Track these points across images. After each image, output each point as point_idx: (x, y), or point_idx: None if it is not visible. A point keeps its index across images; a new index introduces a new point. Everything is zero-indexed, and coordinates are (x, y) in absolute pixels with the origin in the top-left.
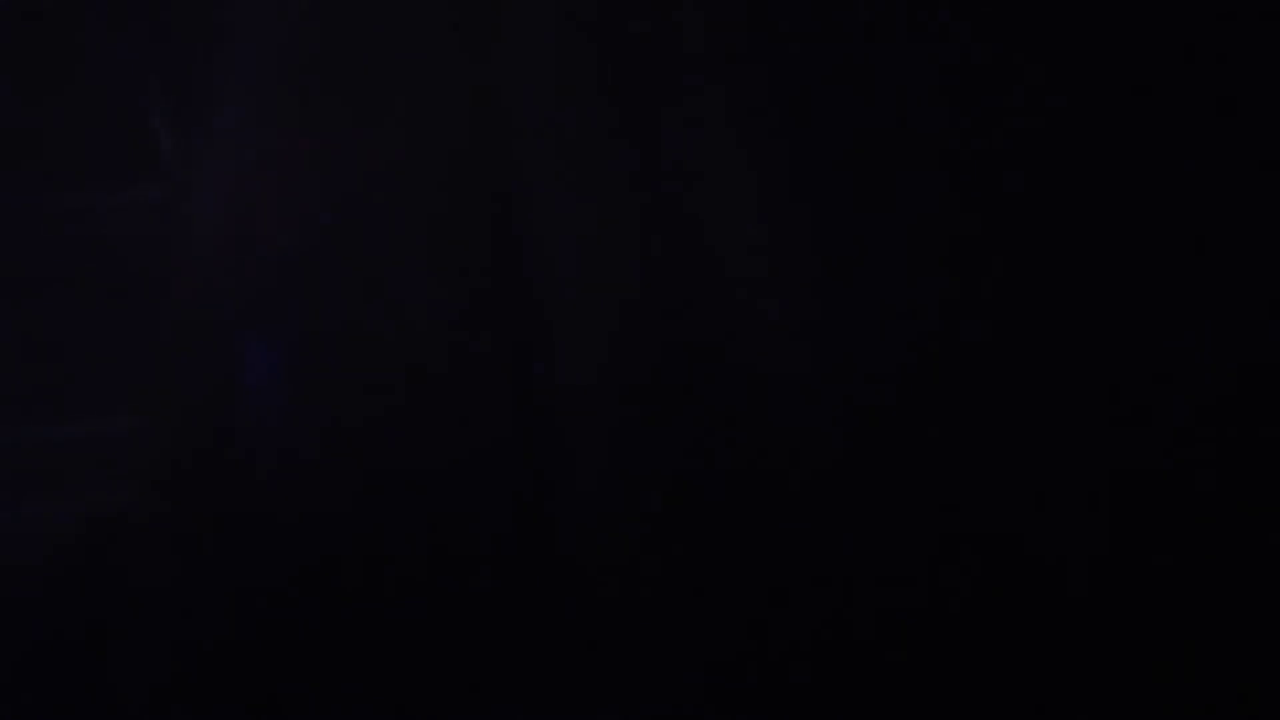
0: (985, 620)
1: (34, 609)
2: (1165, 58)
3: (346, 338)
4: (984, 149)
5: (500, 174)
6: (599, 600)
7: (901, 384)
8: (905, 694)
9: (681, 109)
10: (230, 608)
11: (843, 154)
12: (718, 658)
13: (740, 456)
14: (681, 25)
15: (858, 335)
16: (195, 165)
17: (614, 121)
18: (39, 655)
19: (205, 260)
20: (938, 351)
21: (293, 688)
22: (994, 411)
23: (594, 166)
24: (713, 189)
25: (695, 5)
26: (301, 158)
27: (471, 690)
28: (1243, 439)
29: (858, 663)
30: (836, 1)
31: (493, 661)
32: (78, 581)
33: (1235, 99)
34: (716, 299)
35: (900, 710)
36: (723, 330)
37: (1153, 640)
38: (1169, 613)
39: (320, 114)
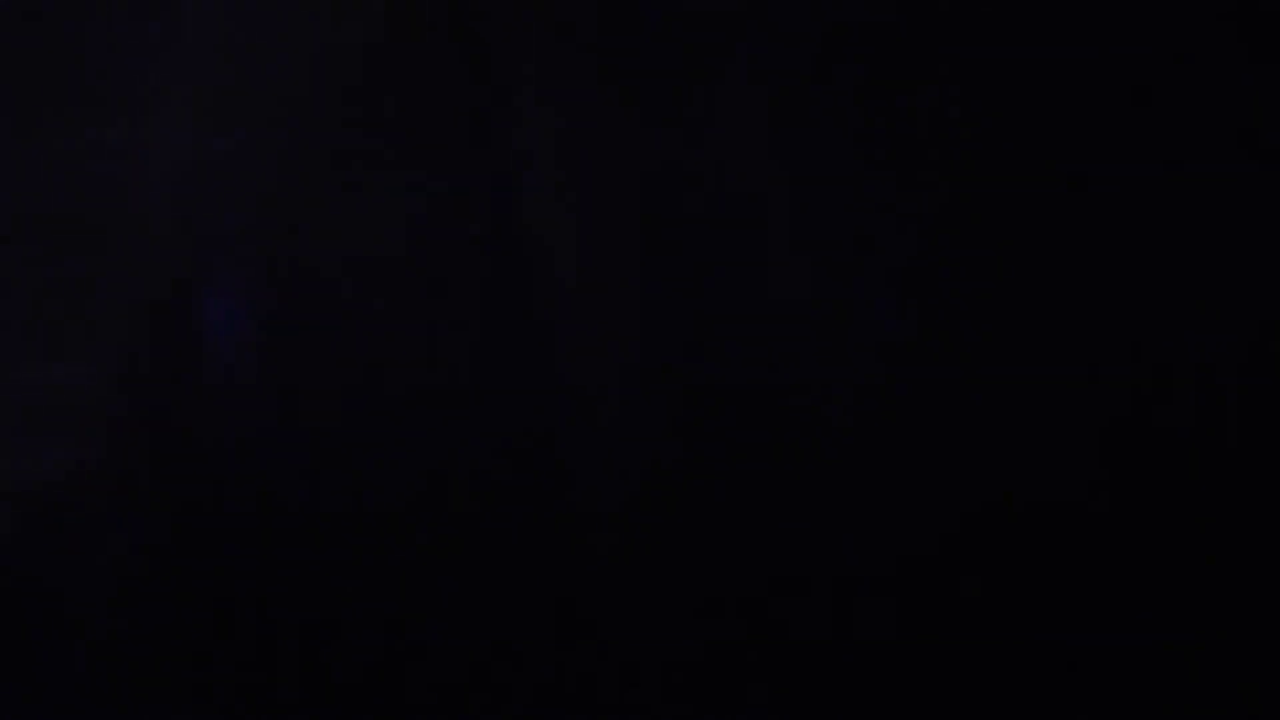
0: (984, 605)
1: None
2: (1168, 58)
3: (311, 286)
4: (986, 145)
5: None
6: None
7: (903, 370)
8: (911, 662)
9: (685, 106)
10: (191, 566)
11: (848, 145)
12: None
13: (747, 437)
14: (687, 22)
15: (862, 326)
16: (160, 108)
17: (618, 113)
18: None
19: (166, 206)
20: (940, 345)
21: (255, 642)
22: (995, 402)
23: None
24: (720, 176)
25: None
26: (266, 105)
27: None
28: (1238, 433)
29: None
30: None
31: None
32: (30, 539)
33: (1234, 104)
34: (720, 283)
35: (908, 675)
36: (731, 314)
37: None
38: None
39: (287, 59)
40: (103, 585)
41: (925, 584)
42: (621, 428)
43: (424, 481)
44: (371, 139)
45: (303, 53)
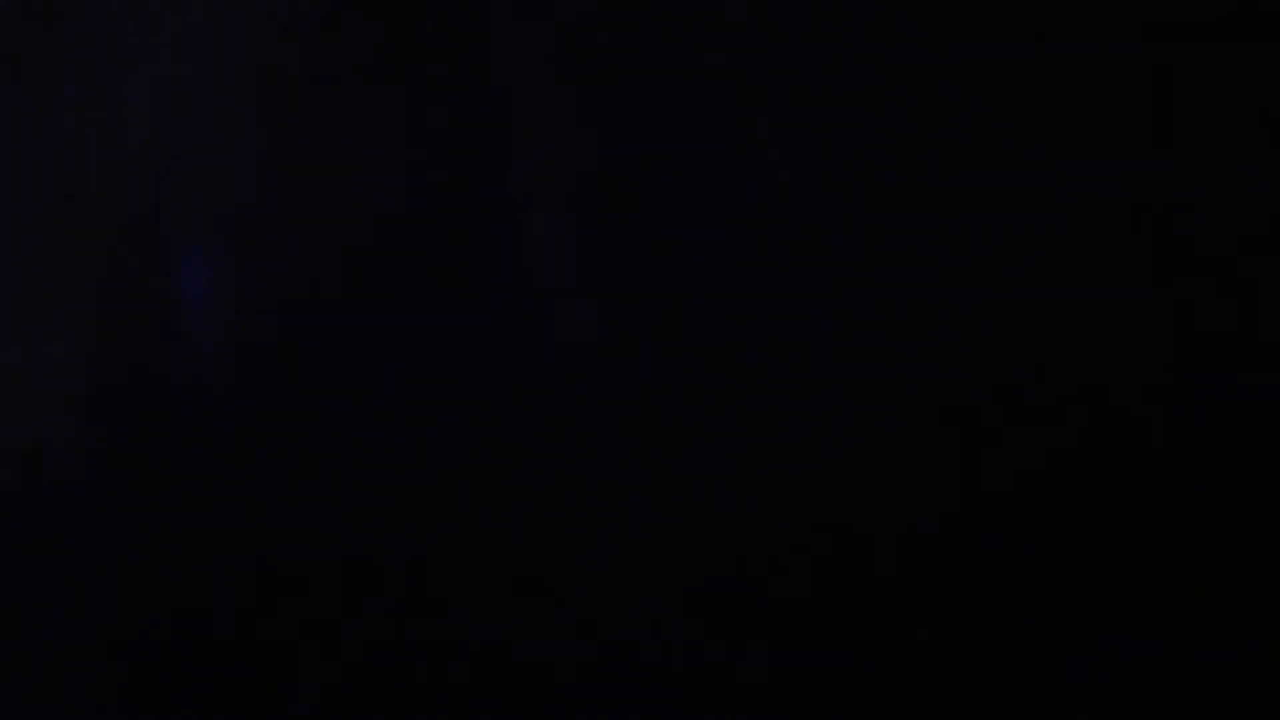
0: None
1: None
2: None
3: (287, 264)
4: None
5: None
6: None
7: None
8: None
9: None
10: (165, 550)
11: (851, 153)
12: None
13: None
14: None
15: (868, 334)
16: (131, 87)
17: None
18: None
19: (142, 173)
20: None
21: (231, 629)
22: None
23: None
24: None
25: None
26: (239, 85)
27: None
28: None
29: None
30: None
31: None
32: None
33: (1234, 111)
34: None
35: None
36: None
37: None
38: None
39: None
40: (76, 568)
41: (918, 554)
42: (617, 392)
43: (413, 461)
44: (346, 113)
45: (285, 29)
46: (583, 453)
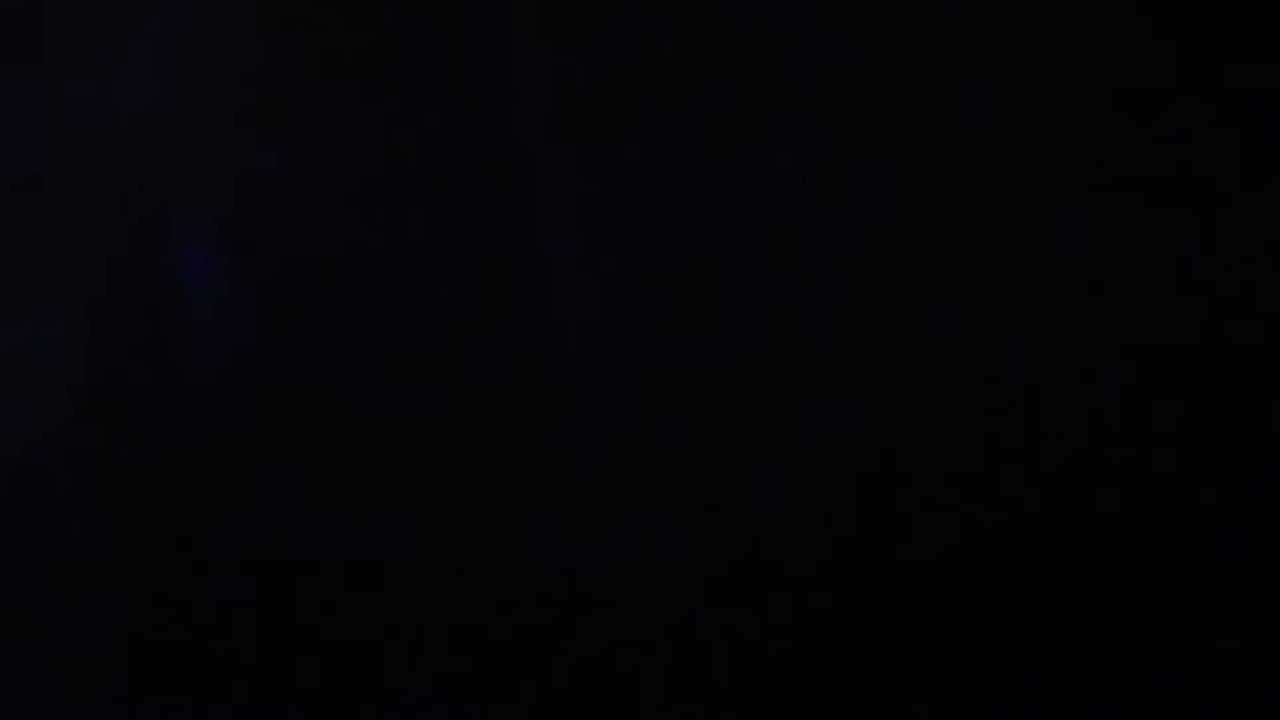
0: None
1: None
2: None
3: (289, 236)
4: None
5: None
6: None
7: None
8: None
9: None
10: (167, 530)
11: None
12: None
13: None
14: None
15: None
16: (131, 66)
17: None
18: None
19: (139, 157)
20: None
21: (229, 603)
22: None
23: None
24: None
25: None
26: (237, 63)
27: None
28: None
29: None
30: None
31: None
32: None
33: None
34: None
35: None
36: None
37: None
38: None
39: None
40: (74, 550)
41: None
42: (616, 347)
43: (419, 435)
44: (344, 87)
45: (278, 8)
46: (583, 437)
